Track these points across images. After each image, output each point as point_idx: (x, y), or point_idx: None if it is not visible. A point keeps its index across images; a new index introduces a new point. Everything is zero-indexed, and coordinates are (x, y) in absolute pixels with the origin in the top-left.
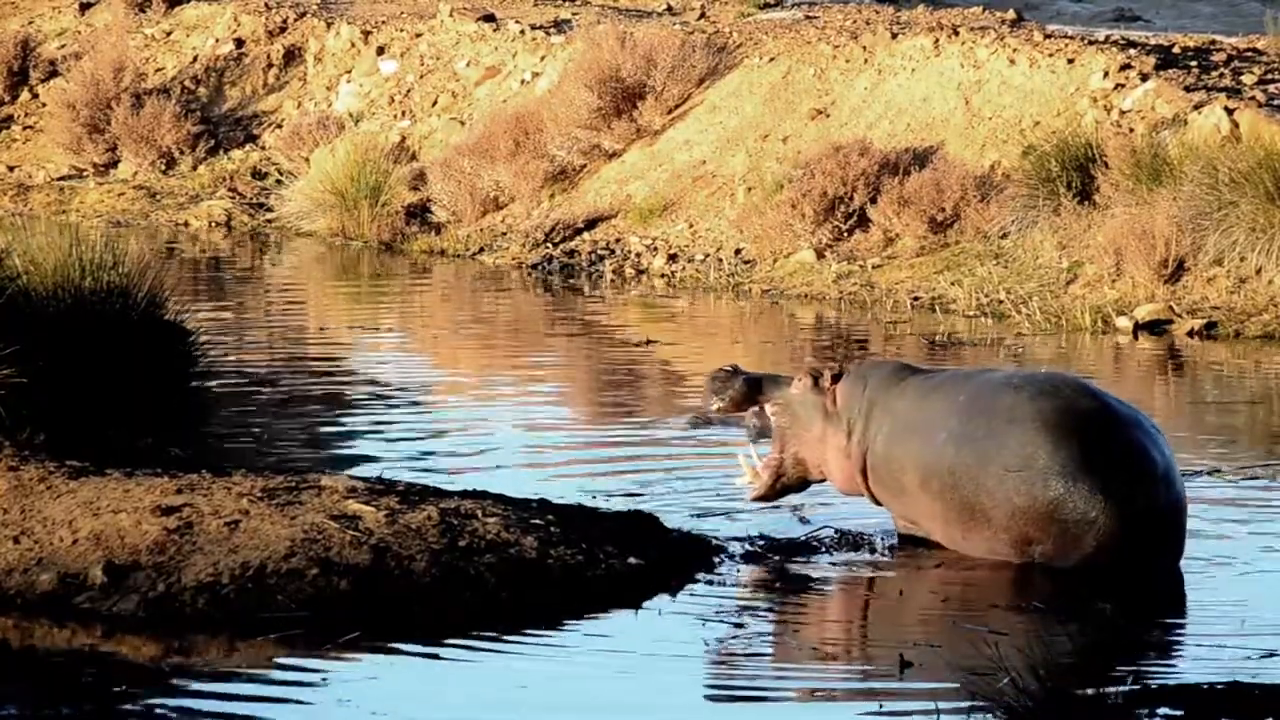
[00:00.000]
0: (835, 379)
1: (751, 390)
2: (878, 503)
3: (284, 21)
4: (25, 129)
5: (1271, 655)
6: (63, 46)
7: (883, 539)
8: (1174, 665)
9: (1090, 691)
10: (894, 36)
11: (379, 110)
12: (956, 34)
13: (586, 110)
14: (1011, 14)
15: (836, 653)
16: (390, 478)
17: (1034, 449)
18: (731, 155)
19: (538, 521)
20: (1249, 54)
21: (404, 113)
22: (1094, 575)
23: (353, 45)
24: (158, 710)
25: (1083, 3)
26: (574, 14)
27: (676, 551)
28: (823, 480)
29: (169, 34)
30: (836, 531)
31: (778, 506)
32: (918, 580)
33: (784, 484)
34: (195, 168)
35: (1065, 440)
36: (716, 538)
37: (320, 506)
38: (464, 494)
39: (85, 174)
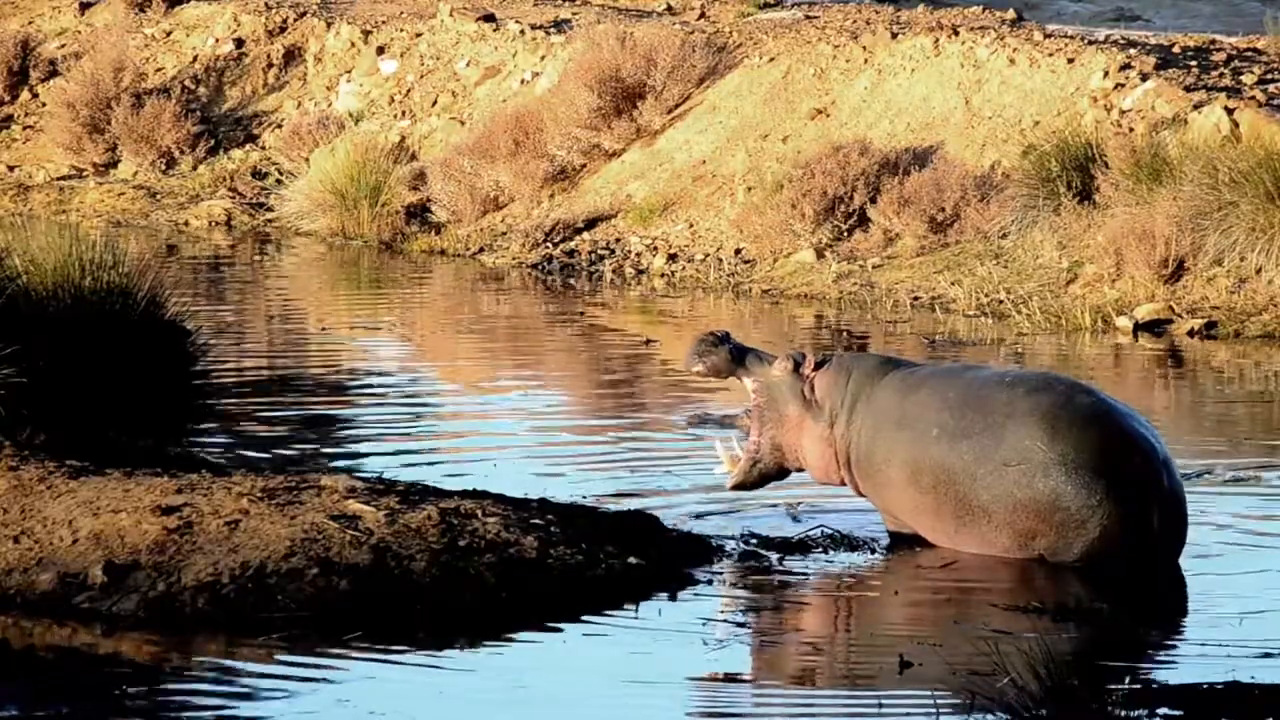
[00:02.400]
0: (817, 366)
1: (734, 361)
2: (861, 494)
3: (284, 21)
4: (25, 129)
5: (1270, 655)
6: (63, 46)
7: (881, 539)
8: (1174, 665)
9: (1090, 691)
10: (894, 36)
11: (379, 110)
12: (956, 34)
13: (586, 110)
14: (1011, 14)
15: (836, 652)
16: (390, 478)
17: (1032, 441)
18: (731, 155)
19: (538, 521)
20: (1249, 54)
21: (404, 113)
22: (1094, 574)
23: (353, 45)
24: (158, 710)
25: (1083, 3)
26: (574, 14)
27: (676, 551)
28: (801, 469)
29: (169, 34)
30: (835, 531)
31: (775, 506)
32: (917, 580)
33: (761, 471)
34: (195, 168)
35: (1063, 432)
36: (716, 537)
37: (320, 506)
38: (464, 494)
39: (85, 174)
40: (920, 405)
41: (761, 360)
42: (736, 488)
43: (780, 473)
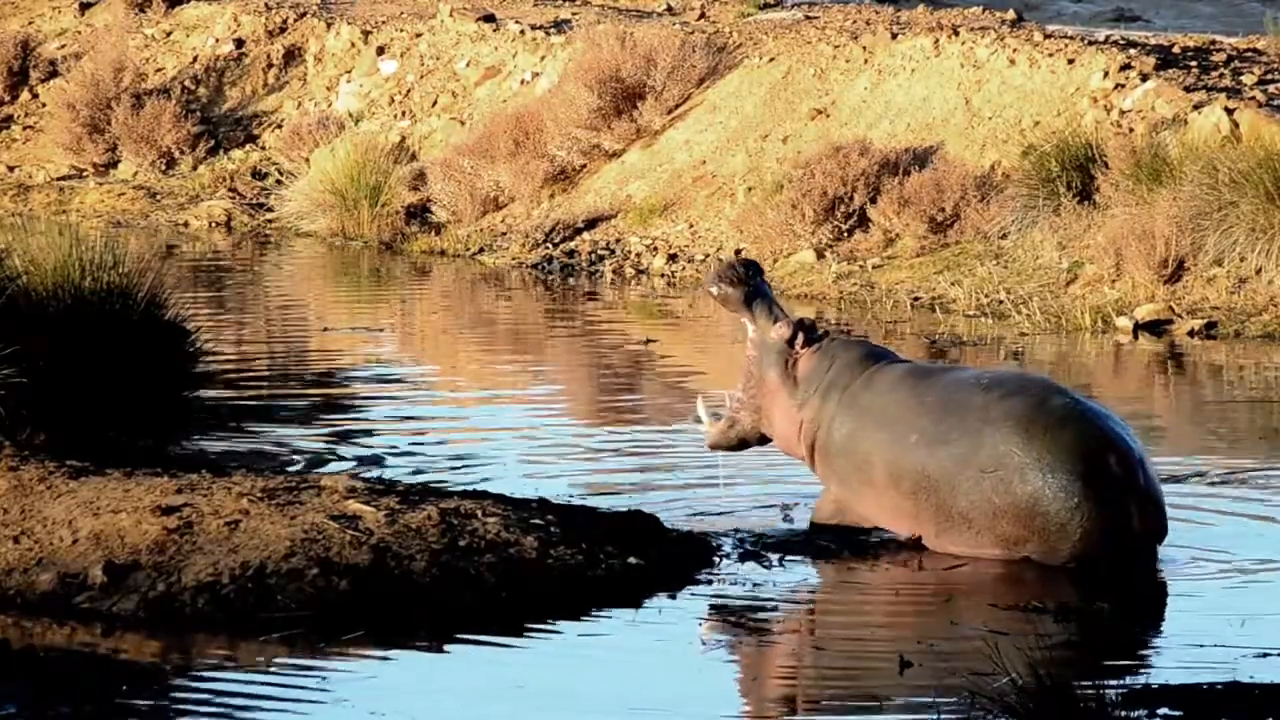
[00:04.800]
0: (809, 342)
1: (744, 302)
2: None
3: (284, 21)
4: (25, 129)
5: (1270, 655)
6: (63, 46)
7: (880, 539)
8: (1174, 665)
9: (1090, 691)
10: (894, 37)
11: (379, 110)
12: (956, 34)
13: (586, 110)
14: (1011, 14)
15: (836, 652)
16: (390, 478)
17: (1008, 447)
18: (731, 155)
19: (538, 521)
20: (1249, 54)
21: (404, 113)
22: (1093, 574)
23: (353, 45)
24: (158, 710)
25: (1083, 3)
26: (574, 14)
27: (676, 551)
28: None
29: (169, 34)
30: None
31: (773, 506)
32: (917, 580)
33: (739, 434)
34: (195, 168)
35: (1039, 435)
36: (716, 537)
37: (320, 506)
38: (464, 494)
39: (85, 174)
40: (899, 407)
41: (770, 313)
42: (713, 446)
43: (759, 438)
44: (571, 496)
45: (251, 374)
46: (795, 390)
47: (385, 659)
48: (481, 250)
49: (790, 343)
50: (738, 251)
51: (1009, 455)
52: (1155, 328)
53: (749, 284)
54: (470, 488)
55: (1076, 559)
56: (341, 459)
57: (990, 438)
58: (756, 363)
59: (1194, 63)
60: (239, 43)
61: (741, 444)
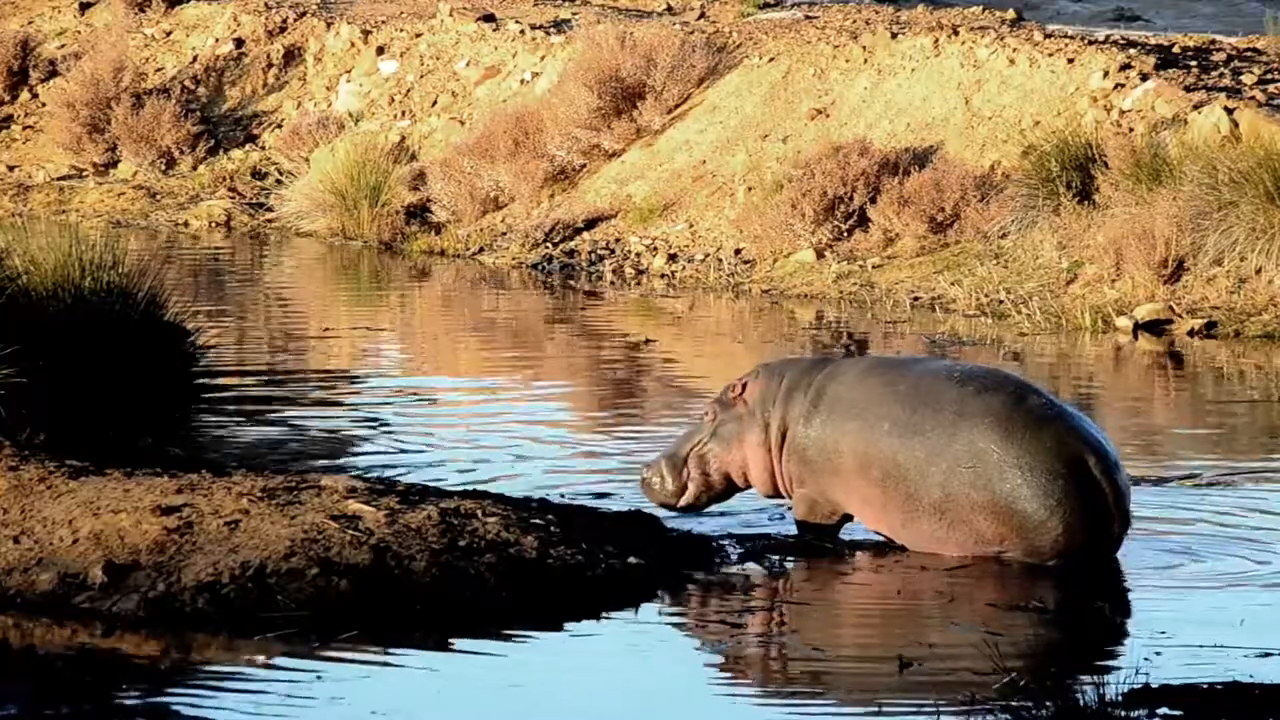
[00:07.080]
0: (744, 386)
1: (674, 463)
2: (789, 491)
3: (284, 21)
4: (25, 129)
5: (1270, 655)
6: (63, 46)
7: (879, 539)
8: (1174, 665)
9: (1090, 691)
10: (894, 36)
11: (379, 110)
12: (956, 34)
13: (586, 110)
14: (1011, 14)
15: (836, 653)
16: (390, 478)
17: (985, 444)
18: (731, 155)
19: (538, 521)
20: (1249, 54)
21: (404, 113)
22: (1092, 575)
23: (353, 45)
24: (158, 710)
25: (1083, 2)
26: (574, 14)
27: (676, 551)
28: (749, 486)
29: (169, 34)
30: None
31: (776, 506)
32: (916, 580)
33: (710, 498)
34: (195, 168)
35: (1017, 434)
36: (715, 538)
37: (320, 506)
38: (464, 494)
39: (85, 174)
40: (869, 397)
41: (687, 437)
42: (687, 509)
43: (728, 493)
44: (571, 496)
45: (251, 374)
46: (754, 418)
47: (385, 659)
48: (481, 250)
49: (725, 401)
50: (737, 251)
51: (987, 453)
52: (1155, 327)
53: (656, 464)
54: (470, 488)
55: (1054, 557)
56: (342, 458)
57: (966, 432)
58: (720, 449)
59: (1194, 62)
60: (239, 42)
61: (712, 504)
